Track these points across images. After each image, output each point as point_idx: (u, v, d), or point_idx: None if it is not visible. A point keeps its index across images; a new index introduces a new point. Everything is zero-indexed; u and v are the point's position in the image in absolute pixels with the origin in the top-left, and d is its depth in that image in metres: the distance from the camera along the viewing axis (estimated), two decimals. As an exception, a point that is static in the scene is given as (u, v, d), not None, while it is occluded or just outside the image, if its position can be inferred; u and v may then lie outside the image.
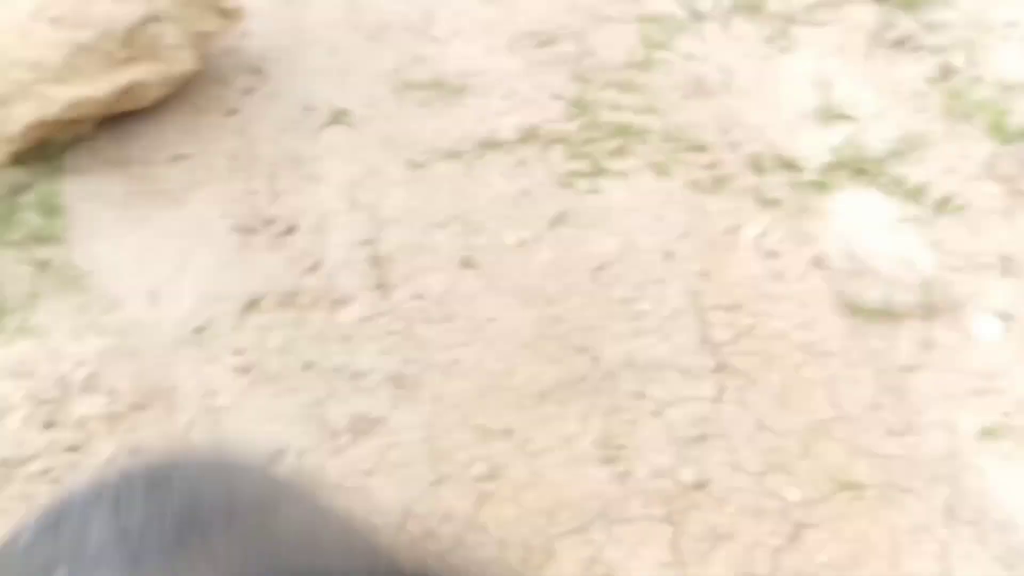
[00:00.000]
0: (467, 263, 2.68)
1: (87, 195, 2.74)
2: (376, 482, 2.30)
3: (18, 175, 2.74)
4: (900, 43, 3.29)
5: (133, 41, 2.75)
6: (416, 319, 2.57)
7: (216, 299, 2.56)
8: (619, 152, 2.95)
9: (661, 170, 2.90)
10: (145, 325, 2.49)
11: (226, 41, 3.05)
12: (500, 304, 2.61)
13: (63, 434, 2.27)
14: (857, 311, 2.57)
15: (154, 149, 2.86)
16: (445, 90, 3.12)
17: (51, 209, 2.67)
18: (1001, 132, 2.99)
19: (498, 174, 2.90)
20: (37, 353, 2.39)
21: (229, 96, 3.02)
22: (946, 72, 3.18)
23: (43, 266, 2.56)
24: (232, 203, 2.77)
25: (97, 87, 2.69)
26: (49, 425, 2.28)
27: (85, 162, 2.81)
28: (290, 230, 2.72)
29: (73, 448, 2.26)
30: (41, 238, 2.62)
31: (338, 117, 3.01)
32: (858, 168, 2.92)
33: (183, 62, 2.85)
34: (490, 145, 2.97)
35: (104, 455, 2.26)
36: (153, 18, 2.80)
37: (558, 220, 2.77)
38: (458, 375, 2.47)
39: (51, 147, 2.78)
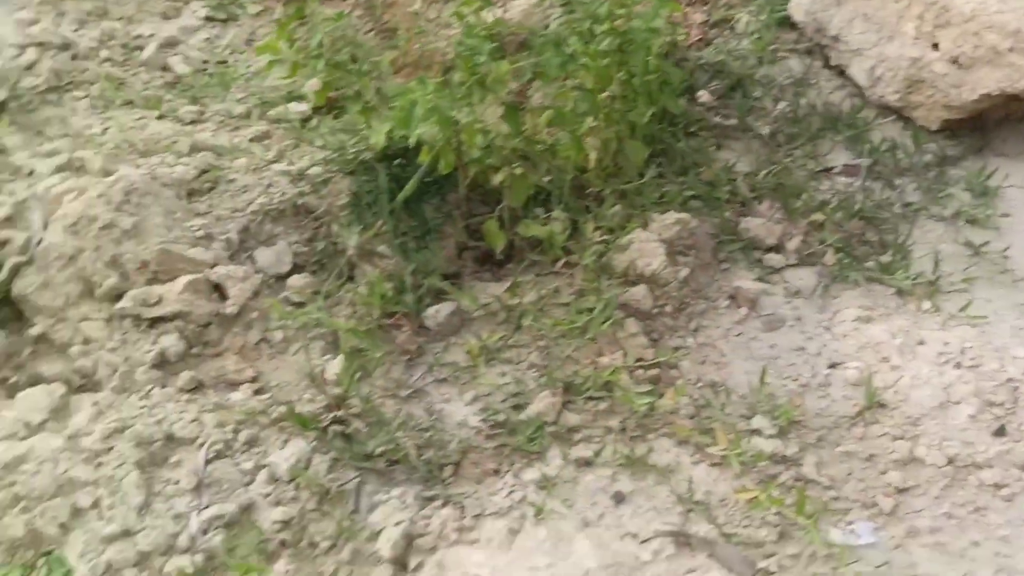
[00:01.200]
0: None
1: (1021, 181, 2.46)
2: None
3: (946, 145, 2.52)
4: None
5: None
6: None
7: None
8: None
9: None
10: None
11: None
12: None
13: (1016, 447, 2.01)
14: None
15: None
16: None
17: (981, 189, 2.43)
18: None
19: None
20: (980, 347, 2.14)
21: None
22: None
23: (975, 250, 2.32)
24: None
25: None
26: (1000, 432, 2.03)
27: (1015, 146, 2.53)
28: None
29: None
30: (972, 219, 2.39)
31: None
32: None
33: None
34: None
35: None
36: None
37: None
38: None
39: (980, 123, 2.54)
